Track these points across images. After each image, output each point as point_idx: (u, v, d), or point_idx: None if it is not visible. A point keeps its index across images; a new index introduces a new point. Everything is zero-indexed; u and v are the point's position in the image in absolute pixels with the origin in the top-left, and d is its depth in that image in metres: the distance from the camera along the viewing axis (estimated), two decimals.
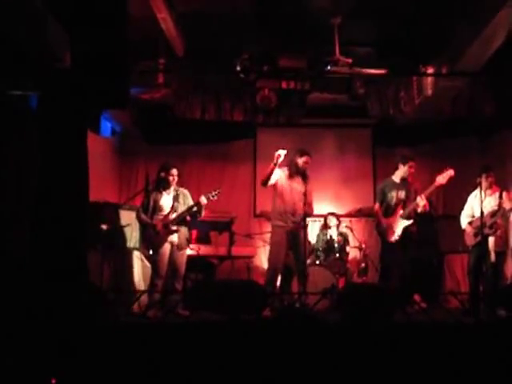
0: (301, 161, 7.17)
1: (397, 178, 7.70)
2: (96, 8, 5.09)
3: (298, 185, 7.13)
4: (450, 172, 7.32)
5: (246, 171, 10.81)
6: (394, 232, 7.43)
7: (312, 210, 7.42)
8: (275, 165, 6.98)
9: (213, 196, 7.21)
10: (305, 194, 6.93)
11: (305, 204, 6.99)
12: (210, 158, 10.82)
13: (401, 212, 7.48)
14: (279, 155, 6.93)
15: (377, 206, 7.74)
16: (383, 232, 7.52)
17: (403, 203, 7.55)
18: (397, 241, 7.44)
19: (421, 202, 7.30)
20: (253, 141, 10.90)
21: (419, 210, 7.39)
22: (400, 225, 7.44)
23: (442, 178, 7.32)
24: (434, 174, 7.46)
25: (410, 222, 7.45)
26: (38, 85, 5.45)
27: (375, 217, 7.81)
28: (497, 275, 7.29)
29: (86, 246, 5.64)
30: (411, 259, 7.56)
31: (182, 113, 9.29)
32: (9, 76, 5.43)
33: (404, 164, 7.63)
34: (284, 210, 7.09)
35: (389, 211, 7.59)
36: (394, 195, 7.60)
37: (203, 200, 7.12)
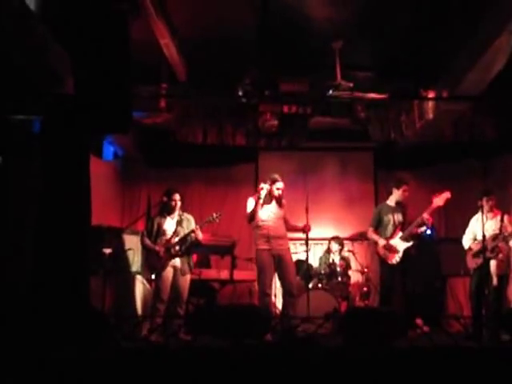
0: (274, 188, 7.27)
1: (391, 202, 7.75)
2: (99, 33, 5.13)
3: (275, 210, 7.28)
4: (447, 194, 7.38)
5: (248, 195, 10.68)
6: (394, 254, 7.42)
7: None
8: (259, 198, 7.14)
9: (213, 219, 7.22)
10: (307, 210, 7.03)
11: (304, 230, 7.24)
12: (212, 181, 10.83)
13: (400, 234, 7.48)
14: (261, 188, 7.16)
15: (370, 229, 7.76)
16: (383, 254, 7.51)
17: (401, 225, 7.56)
18: (397, 263, 7.43)
19: (426, 217, 7.32)
20: (255, 165, 10.93)
21: (423, 228, 7.40)
22: (400, 247, 7.44)
23: (439, 200, 7.36)
24: (431, 196, 7.49)
25: (410, 244, 7.46)
26: (40, 109, 5.47)
27: (371, 239, 7.83)
28: (499, 299, 7.26)
29: (88, 270, 5.63)
30: (413, 282, 7.55)
31: (184, 137, 9.33)
32: (12, 101, 5.45)
33: (398, 188, 7.69)
34: (268, 235, 7.14)
35: (388, 234, 7.58)
36: (391, 218, 7.63)
37: (197, 232, 7.19)
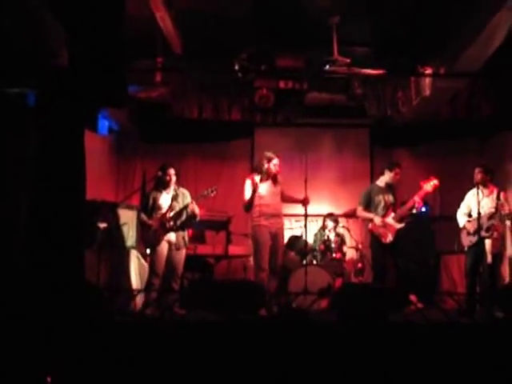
0: (272, 165, 7.29)
1: (381, 183, 7.77)
2: (94, 6, 5.08)
3: (272, 188, 7.30)
4: (435, 181, 7.47)
5: (243, 170, 10.78)
6: (389, 233, 7.44)
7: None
8: (256, 188, 7.19)
9: (208, 193, 7.21)
10: (305, 183, 7.13)
11: (303, 203, 7.28)
12: (208, 157, 10.82)
13: (392, 214, 7.50)
14: (256, 182, 7.22)
15: (360, 208, 7.79)
16: (379, 232, 7.52)
17: (393, 206, 7.58)
18: (390, 242, 7.46)
19: (417, 200, 7.36)
20: (250, 140, 10.92)
21: (416, 206, 7.44)
22: (395, 226, 7.46)
23: (427, 186, 7.40)
24: (425, 178, 7.53)
25: (402, 225, 7.48)
26: (35, 83, 5.43)
27: (363, 217, 7.89)
28: (493, 276, 7.29)
29: (83, 244, 5.63)
30: (406, 259, 7.59)
31: (180, 112, 9.29)
32: (6, 73, 5.41)
33: (390, 170, 7.70)
34: (266, 213, 7.17)
35: (379, 214, 7.60)
36: (382, 199, 7.63)
37: (193, 205, 7.19)
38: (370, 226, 7.62)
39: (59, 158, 5.21)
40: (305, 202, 7.28)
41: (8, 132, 5.74)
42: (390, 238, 7.45)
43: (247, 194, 7.26)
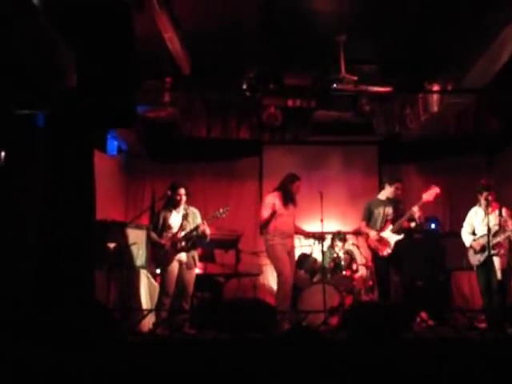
0: (295, 186, 7.43)
1: (382, 196, 7.82)
2: (103, 27, 5.12)
3: (291, 208, 7.40)
4: (436, 190, 7.46)
5: (252, 189, 10.81)
6: (385, 246, 7.44)
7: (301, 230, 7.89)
8: (275, 212, 7.28)
9: (220, 214, 7.21)
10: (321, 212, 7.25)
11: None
12: (217, 175, 10.82)
13: (390, 227, 7.50)
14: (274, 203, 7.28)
15: (363, 223, 7.81)
16: (375, 247, 7.53)
17: (391, 219, 7.57)
18: (389, 255, 7.44)
19: (416, 212, 7.34)
20: (259, 158, 10.92)
21: (413, 223, 7.42)
22: (391, 239, 7.45)
23: (428, 195, 7.39)
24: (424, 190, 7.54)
25: (401, 237, 7.48)
26: (45, 104, 5.47)
27: (362, 233, 7.88)
28: (504, 292, 7.27)
29: (93, 264, 5.64)
30: (413, 275, 7.58)
31: (188, 131, 9.32)
32: (16, 95, 5.45)
33: (390, 185, 7.72)
34: (283, 232, 7.26)
35: (377, 227, 7.61)
36: (382, 211, 7.66)
37: (204, 226, 7.20)
38: (368, 240, 7.64)
39: (69, 178, 5.24)
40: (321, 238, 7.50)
41: (17, 153, 5.77)
42: (387, 250, 7.45)
43: (265, 213, 7.31)
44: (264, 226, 7.30)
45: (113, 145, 9.72)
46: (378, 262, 7.64)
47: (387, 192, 7.74)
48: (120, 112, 5.17)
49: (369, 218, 7.74)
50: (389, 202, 7.69)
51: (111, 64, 5.09)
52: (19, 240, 5.63)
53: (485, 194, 7.31)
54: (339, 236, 9.25)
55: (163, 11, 6.42)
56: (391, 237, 7.48)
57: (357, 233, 9.91)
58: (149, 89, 8.11)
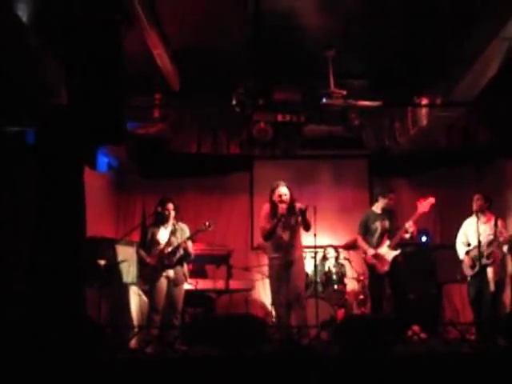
0: (276, 195, 6.97)
1: (377, 209, 7.76)
2: (92, 44, 5.14)
3: (286, 219, 6.97)
4: (431, 200, 7.47)
5: (242, 204, 10.81)
6: (383, 263, 7.42)
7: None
8: (279, 220, 6.87)
9: (206, 227, 7.19)
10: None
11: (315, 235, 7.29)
12: (207, 191, 10.80)
13: (388, 242, 7.48)
14: (284, 210, 6.86)
15: (360, 237, 7.76)
16: (373, 263, 7.51)
17: (388, 233, 7.56)
18: (386, 272, 7.44)
19: (409, 227, 7.34)
20: (249, 173, 10.93)
21: (407, 235, 7.42)
22: (389, 256, 7.44)
23: (423, 206, 7.39)
24: (419, 202, 7.51)
25: (398, 252, 7.46)
26: (34, 121, 5.47)
27: (360, 248, 7.82)
28: (496, 304, 7.27)
29: (83, 281, 5.61)
30: (405, 288, 7.57)
31: (179, 147, 9.34)
32: (6, 112, 5.45)
33: (384, 197, 7.69)
34: (280, 244, 6.94)
35: (375, 242, 7.59)
36: (379, 225, 7.62)
37: (187, 244, 7.19)
38: (365, 257, 7.62)
39: (59, 195, 5.23)
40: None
41: (7, 170, 5.76)
42: (385, 268, 7.44)
43: (266, 223, 6.97)
44: (268, 237, 6.97)
45: (103, 161, 9.71)
46: (374, 277, 7.60)
47: (381, 204, 7.72)
48: (109, 128, 5.18)
49: (365, 232, 7.71)
50: (384, 214, 7.66)
51: (101, 81, 5.11)
52: (11, 258, 5.61)
53: (479, 203, 7.37)
54: (331, 249, 9.26)
55: (152, 28, 6.45)
56: (388, 253, 7.46)
57: (349, 246, 9.94)
58: (138, 105, 8.12)
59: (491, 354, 5.11)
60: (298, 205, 6.92)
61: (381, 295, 7.55)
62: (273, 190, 7.00)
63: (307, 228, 7.06)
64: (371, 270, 7.61)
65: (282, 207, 6.87)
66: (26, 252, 5.33)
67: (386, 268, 7.42)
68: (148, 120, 8.54)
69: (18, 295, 5.23)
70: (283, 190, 6.95)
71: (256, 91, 7.91)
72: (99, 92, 5.08)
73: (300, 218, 6.94)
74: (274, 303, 7.12)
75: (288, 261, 6.89)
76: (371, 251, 7.51)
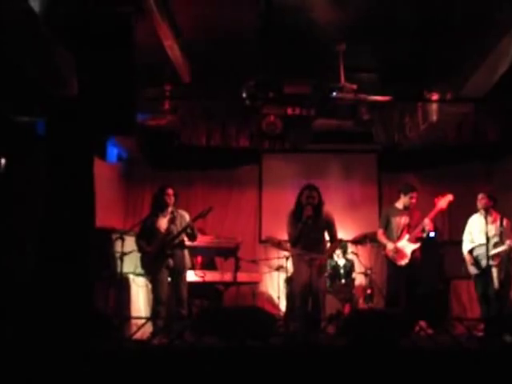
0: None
1: (400, 205, 7.75)
2: (103, 35, 5.14)
3: (310, 221, 6.90)
4: (450, 197, 7.45)
5: (251, 197, 10.83)
6: (403, 256, 7.42)
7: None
8: (305, 223, 6.81)
9: (204, 214, 7.17)
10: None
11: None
12: (216, 183, 10.83)
13: (407, 236, 7.48)
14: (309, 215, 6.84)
15: (380, 231, 7.76)
16: (392, 256, 7.50)
17: (408, 228, 7.56)
18: (406, 265, 7.43)
19: (426, 225, 7.35)
20: (258, 167, 10.94)
21: (426, 228, 7.40)
22: (407, 249, 7.44)
23: (442, 203, 7.38)
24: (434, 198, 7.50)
25: (417, 245, 7.46)
26: (44, 111, 5.48)
27: (380, 242, 7.81)
28: (502, 301, 7.28)
29: (92, 272, 5.63)
30: (418, 283, 7.57)
31: (188, 139, 9.35)
32: (16, 102, 5.46)
33: (405, 194, 7.68)
34: (306, 244, 6.87)
35: (395, 236, 7.58)
36: (399, 221, 7.62)
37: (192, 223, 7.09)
38: (385, 250, 7.62)
39: (68, 185, 5.24)
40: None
41: (17, 160, 5.77)
42: (404, 260, 7.43)
43: (293, 229, 6.94)
44: (295, 242, 6.95)
45: (113, 152, 9.73)
46: (392, 271, 7.59)
47: (403, 201, 7.71)
48: (120, 119, 5.19)
49: (385, 226, 7.72)
50: (405, 211, 7.67)
51: (112, 72, 5.11)
52: (21, 248, 5.64)
53: (483, 202, 7.35)
54: (339, 244, 9.26)
55: (164, 20, 6.45)
56: (408, 246, 7.46)
57: (358, 241, 9.95)
58: (149, 97, 8.13)
59: (497, 351, 5.11)
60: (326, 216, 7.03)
61: (397, 289, 7.54)
62: (301, 191, 7.00)
63: (331, 240, 7.11)
64: (390, 264, 7.60)
65: (308, 209, 6.84)
66: (34, 243, 5.34)
67: (406, 261, 7.42)
68: (158, 112, 8.54)
69: (25, 286, 5.26)
70: (311, 192, 6.95)
71: (266, 84, 7.91)
72: (110, 83, 5.08)
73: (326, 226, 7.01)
74: (289, 298, 7.06)
75: (312, 258, 6.77)
76: (391, 245, 7.51)
